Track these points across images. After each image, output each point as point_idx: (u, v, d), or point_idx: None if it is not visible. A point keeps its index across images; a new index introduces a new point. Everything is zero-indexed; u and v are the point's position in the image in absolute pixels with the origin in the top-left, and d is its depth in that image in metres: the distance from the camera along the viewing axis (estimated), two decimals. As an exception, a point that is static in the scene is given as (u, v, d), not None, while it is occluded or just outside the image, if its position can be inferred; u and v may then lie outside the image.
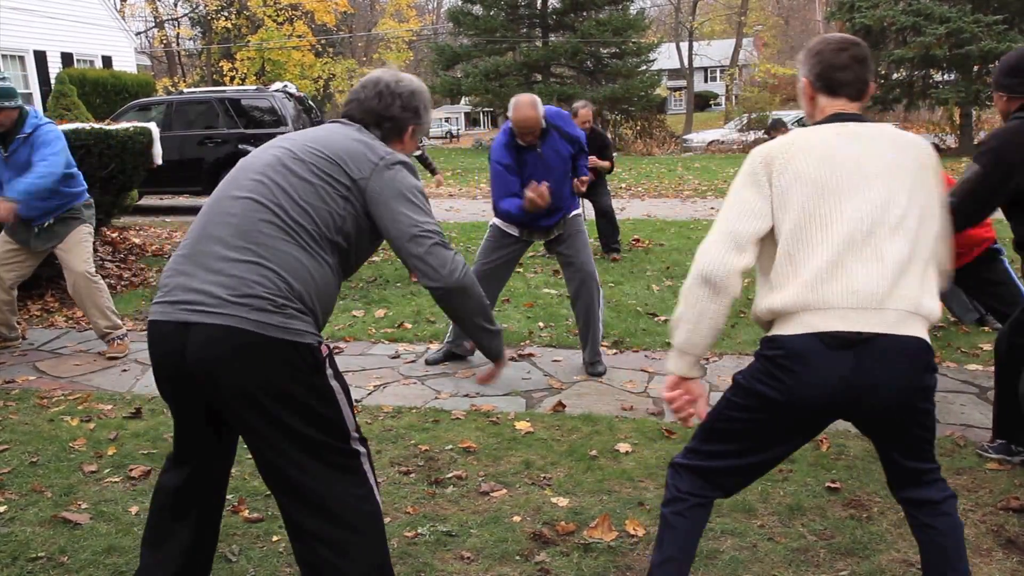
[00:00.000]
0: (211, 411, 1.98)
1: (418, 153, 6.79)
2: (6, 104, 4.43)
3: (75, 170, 4.78)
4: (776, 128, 8.34)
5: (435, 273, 1.97)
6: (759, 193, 1.93)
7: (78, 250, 4.77)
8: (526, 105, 4.00)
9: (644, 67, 28.12)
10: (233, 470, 3.08)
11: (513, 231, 4.33)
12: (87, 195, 4.88)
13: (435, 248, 1.97)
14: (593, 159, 7.16)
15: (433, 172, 8.21)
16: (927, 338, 1.88)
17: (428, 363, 4.62)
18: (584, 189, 4.46)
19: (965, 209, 2.81)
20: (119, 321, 4.92)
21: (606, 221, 7.60)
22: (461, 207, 12.63)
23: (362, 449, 2.00)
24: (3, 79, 4.52)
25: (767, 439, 1.96)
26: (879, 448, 2.01)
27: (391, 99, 2.10)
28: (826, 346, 1.82)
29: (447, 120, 51.20)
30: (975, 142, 20.05)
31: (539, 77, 27.72)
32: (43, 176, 4.43)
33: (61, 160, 4.53)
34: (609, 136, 25.95)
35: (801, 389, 1.84)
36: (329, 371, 1.94)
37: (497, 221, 4.37)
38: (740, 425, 1.97)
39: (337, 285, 2.03)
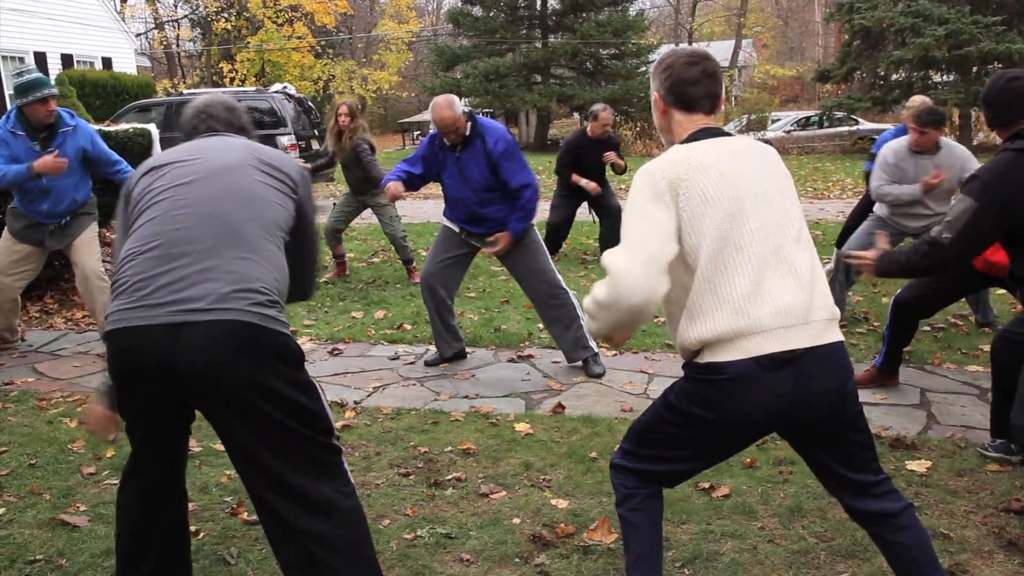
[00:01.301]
0: (180, 409, 2.01)
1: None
2: (46, 92, 4.44)
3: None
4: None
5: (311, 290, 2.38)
6: (668, 214, 1.85)
7: (91, 248, 4.83)
8: (440, 106, 4.11)
9: (644, 68, 28.06)
10: (231, 472, 3.09)
11: (455, 227, 4.44)
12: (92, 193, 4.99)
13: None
14: (611, 155, 7.15)
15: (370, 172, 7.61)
16: (842, 337, 1.93)
17: (427, 364, 4.61)
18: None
19: (959, 247, 2.76)
20: None
21: (612, 222, 7.47)
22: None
23: (340, 446, 2.06)
24: (28, 71, 4.51)
25: (703, 451, 1.98)
26: (817, 463, 2.00)
27: (236, 111, 2.39)
28: (764, 369, 1.82)
29: (447, 121, 51.11)
30: (974, 143, 20.06)
31: (539, 78, 27.71)
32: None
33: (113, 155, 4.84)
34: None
35: (738, 411, 1.85)
36: (307, 367, 2.03)
37: (444, 220, 4.47)
38: (675, 439, 1.98)
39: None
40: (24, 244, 4.74)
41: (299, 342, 2.30)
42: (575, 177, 7.23)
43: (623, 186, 14.83)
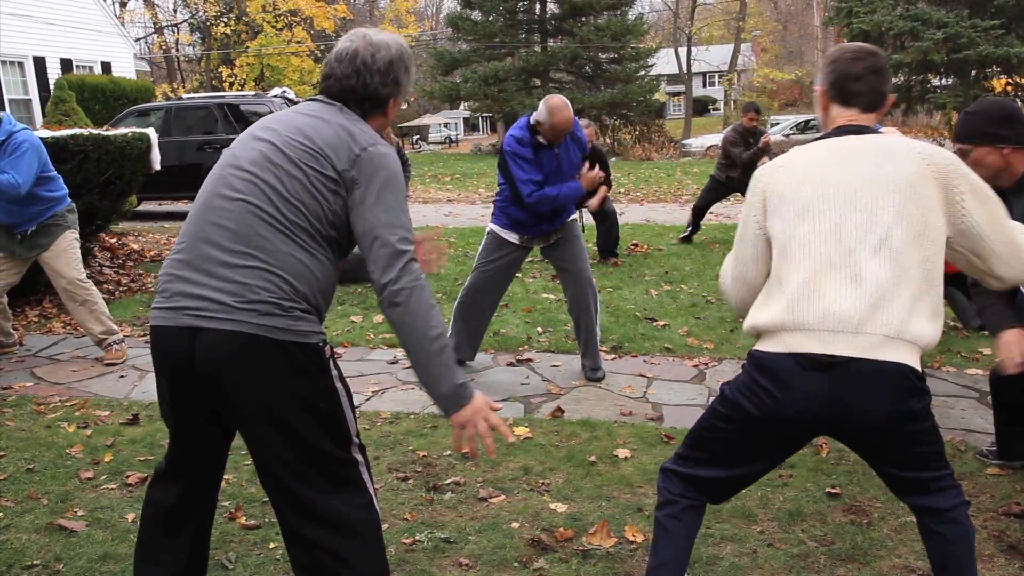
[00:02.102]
0: (212, 418, 1.96)
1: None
2: None
3: (54, 174, 4.67)
4: (747, 111, 8.37)
5: (379, 279, 1.88)
6: (758, 214, 2.00)
7: (66, 257, 4.69)
8: (564, 107, 4.00)
9: (643, 72, 28.15)
10: (230, 476, 3.08)
11: (511, 238, 4.31)
12: (68, 200, 4.78)
13: (393, 259, 1.87)
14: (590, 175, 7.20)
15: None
16: (912, 362, 1.81)
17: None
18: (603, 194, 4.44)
19: None
20: (114, 326, 4.89)
21: (607, 226, 7.57)
22: (460, 212, 12.62)
23: (360, 458, 1.98)
24: None
25: (751, 452, 1.97)
26: (869, 462, 1.99)
27: (369, 76, 1.99)
28: (801, 367, 1.81)
29: (446, 126, 51.23)
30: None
31: (538, 82, 27.75)
32: (6, 183, 4.34)
33: (23, 172, 4.39)
34: (603, 144, 25.78)
35: (779, 408, 1.85)
36: (334, 372, 1.94)
37: (494, 227, 4.35)
38: (724, 435, 1.97)
39: (336, 277, 2.01)
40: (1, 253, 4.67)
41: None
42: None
43: (621, 189, 14.84)
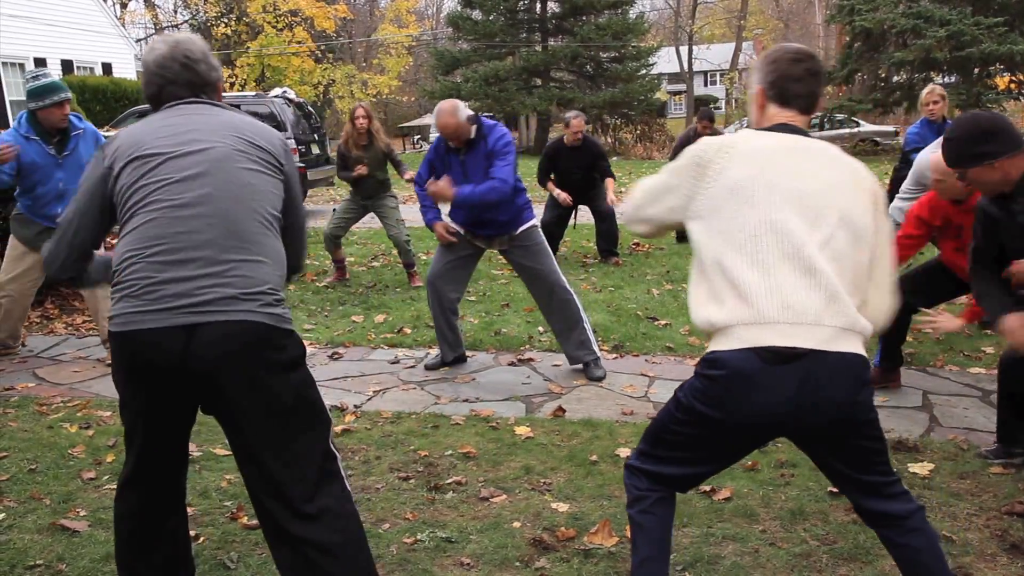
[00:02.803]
0: (186, 417, 2.01)
1: (388, 151, 6.70)
2: (61, 96, 4.41)
3: None
4: (702, 119, 8.18)
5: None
6: (687, 186, 1.95)
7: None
8: (445, 112, 4.12)
9: (644, 71, 28.12)
10: (232, 476, 3.09)
11: (459, 229, 4.42)
12: None
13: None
14: (552, 188, 7.37)
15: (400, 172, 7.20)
16: (863, 353, 1.86)
17: (428, 368, 4.61)
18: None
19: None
20: None
21: (606, 225, 7.58)
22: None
23: (336, 452, 2.06)
24: (43, 75, 4.46)
25: (712, 452, 1.97)
26: (824, 464, 1.98)
27: (197, 66, 2.11)
28: (764, 361, 1.80)
29: (447, 125, 51.16)
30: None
31: (539, 81, 27.73)
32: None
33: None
34: (604, 143, 25.76)
35: (741, 409, 1.83)
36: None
37: (448, 221, 4.45)
38: (684, 439, 1.97)
39: None
40: (35, 252, 4.69)
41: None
42: (549, 185, 7.39)
43: (622, 189, 14.82)
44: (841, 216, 1.87)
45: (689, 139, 8.20)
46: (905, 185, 4.59)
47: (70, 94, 4.52)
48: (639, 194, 2.10)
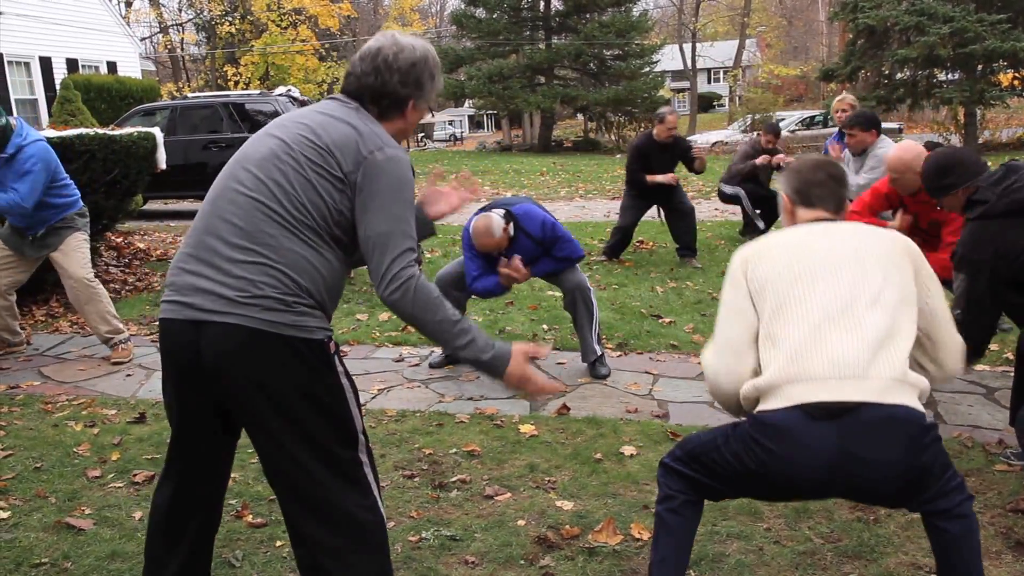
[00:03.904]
0: (216, 413, 1.96)
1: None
2: None
3: (65, 180, 4.71)
4: (768, 132, 8.10)
5: (379, 288, 1.88)
6: (738, 291, 2.05)
7: (75, 256, 4.74)
8: (481, 235, 4.13)
9: (647, 69, 28.12)
10: (236, 475, 3.09)
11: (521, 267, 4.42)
12: (80, 204, 4.82)
13: (393, 262, 1.86)
14: (655, 178, 7.16)
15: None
16: (919, 407, 1.84)
17: (432, 366, 4.61)
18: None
19: (971, 316, 2.93)
20: (121, 325, 4.91)
21: (688, 222, 7.36)
22: (466, 208, 12.60)
23: (365, 459, 1.98)
24: None
25: (752, 492, 2.01)
26: (892, 507, 2.03)
27: (388, 74, 1.97)
28: (811, 417, 1.81)
29: (451, 123, 51.26)
30: (979, 141, 19.98)
31: (542, 79, 27.74)
32: (9, 203, 4.41)
33: (28, 190, 4.42)
34: (607, 141, 25.57)
35: (787, 469, 1.84)
36: (339, 368, 1.93)
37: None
38: (725, 472, 1.98)
39: (344, 275, 2.00)
40: (8, 248, 4.73)
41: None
42: (650, 177, 7.16)
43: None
44: (885, 278, 1.94)
45: (752, 153, 7.97)
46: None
47: (2, 120, 4.41)
48: (712, 356, 2.10)
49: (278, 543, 2.69)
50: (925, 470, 1.85)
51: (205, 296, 1.82)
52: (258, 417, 1.86)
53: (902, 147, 3.89)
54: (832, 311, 1.88)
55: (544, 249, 4.29)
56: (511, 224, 4.18)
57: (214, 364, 1.82)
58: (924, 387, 1.89)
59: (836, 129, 6.52)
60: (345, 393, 1.93)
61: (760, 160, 7.77)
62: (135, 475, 3.22)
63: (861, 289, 1.91)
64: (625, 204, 7.54)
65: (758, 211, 7.99)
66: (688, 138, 29.09)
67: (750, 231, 8.08)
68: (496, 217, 4.13)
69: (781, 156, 7.77)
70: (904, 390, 1.84)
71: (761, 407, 1.90)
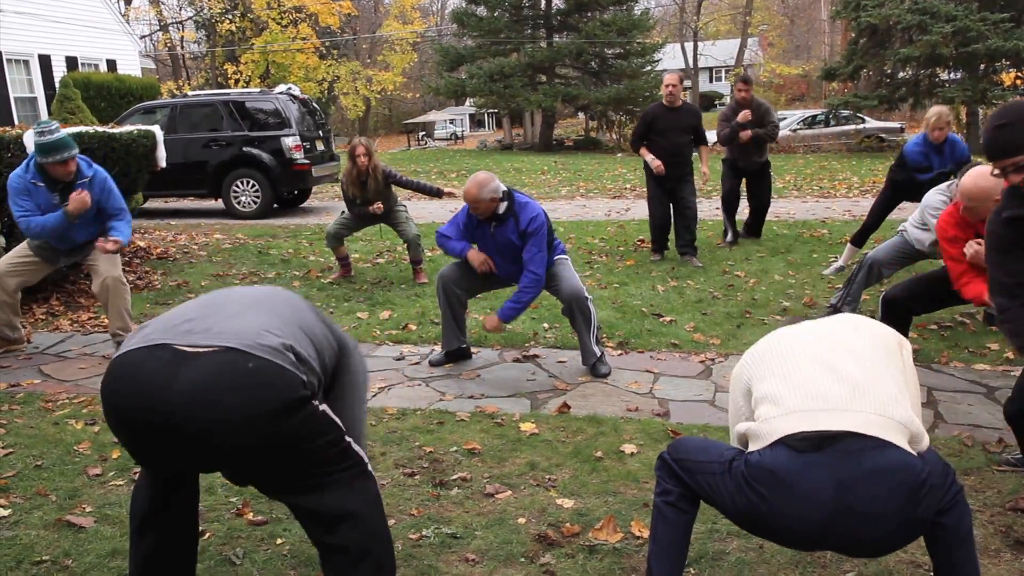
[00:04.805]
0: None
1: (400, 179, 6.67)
2: (67, 155, 4.55)
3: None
4: (740, 81, 7.73)
5: None
6: (741, 389, 2.14)
7: (113, 258, 4.92)
8: (472, 183, 4.18)
9: (649, 67, 28.06)
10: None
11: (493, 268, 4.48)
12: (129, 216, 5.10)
13: None
14: (646, 154, 7.11)
15: (439, 194, 7.01)
16: (908, 448, 1.82)
17: (432, 364, 4.61)
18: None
19: (1000, 302, 2.72)
20: (133, 325, 4.95)
21: (687, 221, 7.33)
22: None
23: (363, 459, 2.10)
24: (52, 132, 4.56)
25: (745, 528, 2.01)
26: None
27: None
28: (795, 451, 1.81)
29: (451, 122, 51.20)
30: (981, 141, 19.95)
31: (543, 78, 27.71)
32: (129, 223, 4.96)
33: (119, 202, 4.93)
34: (608, 139, 25.28)
35: (779, 516, 1.83)
36: (321, 407, 1.98)
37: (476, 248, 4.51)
38: (722, 506, 1.99)
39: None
40: (36, 257, 4.89)
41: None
42: (642, 151, 7.10)
43: (627, 185, 14.76)
44: (871, 345, 2.02)
45: (731, 114, 7.79)
46: (914, 218, 4.77)
47: (76, 150, 4.63)
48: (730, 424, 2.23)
49: (279, 540, 2.70)
50: (921, 522, 1.83)
51: (200, 336, 1.92)
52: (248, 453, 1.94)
53: (980, 174, 3.38)
54: (816, 368, 1.94)
55: (520, 245, 4.27)
56: (506, 202, 4.22)
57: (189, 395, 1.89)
58: (916, 428, 1.86)
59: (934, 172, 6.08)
60: (334, 422, 2.05)
61: (744, 136, 7.54)
62: (135, 473, 3.22)
63: (846, 352, 1.98)
64: (650, 195, 7.46)
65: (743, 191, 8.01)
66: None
67: (735, 236, 8.13)
68: (499, 182, 4.21)
69: (745, 112, 7.50)
70: (888, 426, 1.82)
71: (750, 448, 1.95)
